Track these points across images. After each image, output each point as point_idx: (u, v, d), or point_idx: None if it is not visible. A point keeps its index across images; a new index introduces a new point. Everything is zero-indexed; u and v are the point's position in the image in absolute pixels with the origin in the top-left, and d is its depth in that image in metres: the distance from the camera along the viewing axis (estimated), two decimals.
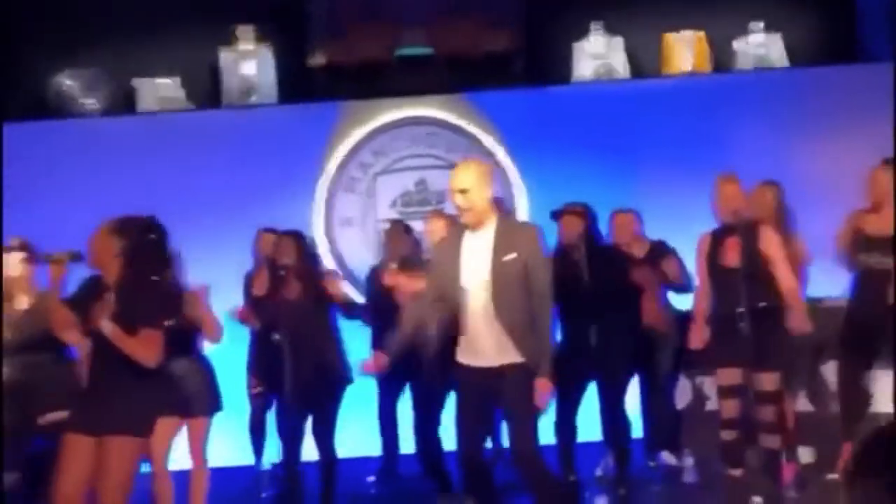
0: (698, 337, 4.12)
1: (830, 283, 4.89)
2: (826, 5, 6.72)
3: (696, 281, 4.35)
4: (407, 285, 4.16)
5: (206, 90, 6.61)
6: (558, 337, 4.52)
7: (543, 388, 3.35)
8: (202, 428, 4.11)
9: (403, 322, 3.66)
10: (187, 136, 6.21)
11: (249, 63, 6.46)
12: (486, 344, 3.38)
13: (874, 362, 4.62)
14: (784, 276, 4.04)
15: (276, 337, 4.10)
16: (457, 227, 3.53)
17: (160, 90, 6.45)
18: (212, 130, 6.26)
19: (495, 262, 3.36)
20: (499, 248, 3.37)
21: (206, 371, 4.16)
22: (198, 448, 4.12)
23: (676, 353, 4.88)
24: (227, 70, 6.47)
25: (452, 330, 3.45)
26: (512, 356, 3.36)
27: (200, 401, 4.08)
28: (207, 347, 4.20)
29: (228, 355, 4.94)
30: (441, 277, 3.49)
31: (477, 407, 3.41)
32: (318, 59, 6.46)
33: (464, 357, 3.44)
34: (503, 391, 3.36)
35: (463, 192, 3.38)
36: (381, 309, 4.89)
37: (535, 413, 3.38)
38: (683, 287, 4.90)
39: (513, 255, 3.36)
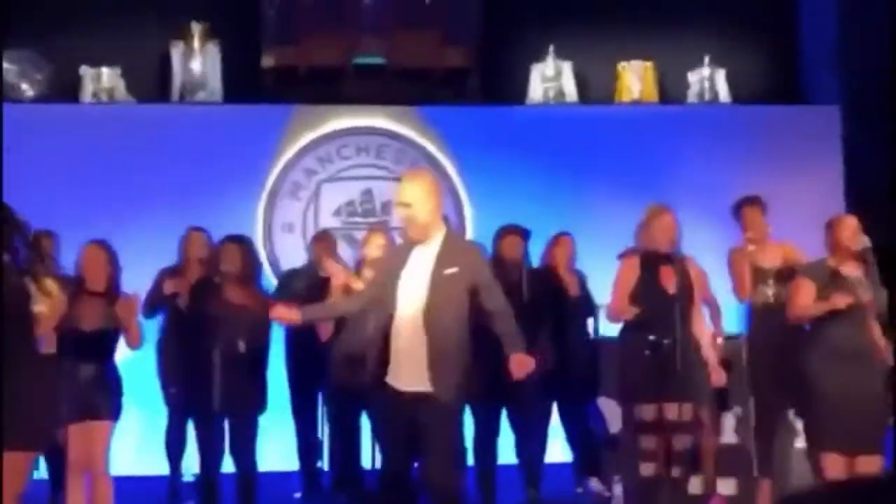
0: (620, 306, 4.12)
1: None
2: (770, 45, 6.89)
3: (610, 305, 4.31)
4: (341, 273, 4.09)
5: (152, 84, 6.46)
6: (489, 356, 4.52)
7: (525, 359, 3.33)
8: (104, 432, 3.99)
9: (332, 303, 3.58)
10: (130, 130, 6.05)
11: (198, 59, 6.34)
12: (408, 363, 3.30)
13: (783, 398, 4.68)
14: (700, 321, 4.14)
15: (214, 343, 3.93)
16: (409, 241, 3.48)
17: (105, 80, 6.28)
18: (156, 125, 6.11)
19: (435, 275, 3.30)
20: (441, 262, 3.32)
21: (115, 377, 4.06)
22: (99, 454, 3.99)
23: (593, 380, 4.92)
24: (175, 64, 6.33)
25: (382, 349, 3.37)
26: (426, 384, 3.27)
27: (104, 405, 3.97)
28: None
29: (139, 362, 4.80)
30: (380, 284, 3.45)
31: (398, 430, 3.34)
32: (269, 61, 6.36)
33: (390, 377, 3.36)
34: (421, 420, 3.28)
35: (406, 205, 3.33)
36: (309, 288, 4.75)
37: (451, 445, 3.29)
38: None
39: (454, 270, 3.31)
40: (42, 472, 4.59)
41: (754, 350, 4.63)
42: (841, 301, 3.98)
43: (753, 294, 4.58)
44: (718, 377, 4.16)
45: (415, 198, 3.33)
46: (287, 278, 5.20)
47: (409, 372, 3.29)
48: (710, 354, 4.16)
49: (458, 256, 3.33)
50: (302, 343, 4.70)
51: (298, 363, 4.93)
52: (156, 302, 4.72)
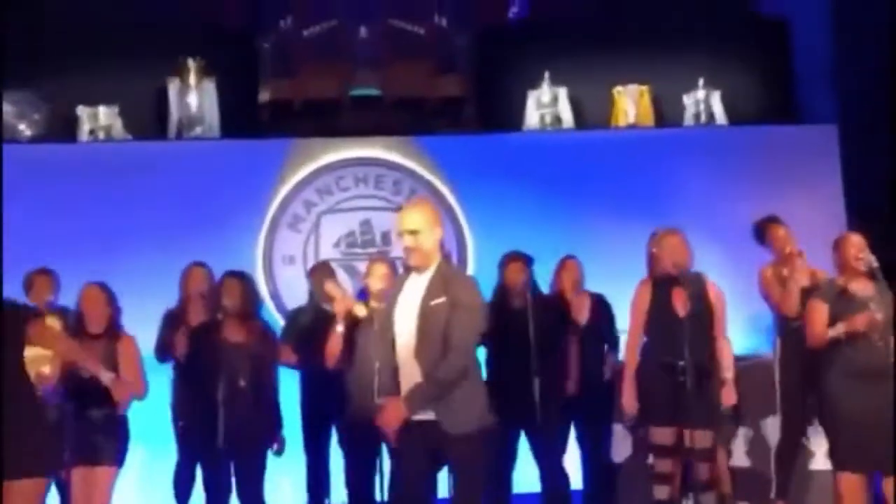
0: (630, 403, 4.14)
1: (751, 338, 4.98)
2: (764, 65, 6.92)
3: (628, 334, 4.33)
4: (343, 296, 4.05)
5: (150, 121, 6.48)
6: (496, 383, 4.46)
7: (393, 408, 3.17)
8: (109, 478, 3.97)
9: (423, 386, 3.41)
10: (128, 167, 6.05)
11: (194, 95, 6.35)
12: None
13: (813, 418, 4.68)
14: (723, 343, 4.12)
15: (219, 380, 3.87)
16: (407, 269, 3.46)
17: (102, 118, 6.29)
18: (153, 162, 6.11)
19: (423, 305, 3.29)
20: (430, 292, 3.30)
21: (122, 422, 4.03)
22: (103, 499, 3.96)
23: (616, 407, 4.86)
24: (172, 101, 6.35)
25: (391, 378, 3.33)
26: (429, 413, 3.22)
27: (110, 450, 3.95)
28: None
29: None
30: (383, 317, 3.44)
31: (410, 459, 3.29)
32: (265, 95, 6.38)
33: None
34: (435, 448, 3.23)
35: (413, 232, 3.31)
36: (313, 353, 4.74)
37: (477, 472, 3.22)
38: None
39: (441, 300, 3.27)
40: None
41: (785, 371, 4.59)
42: (859, 323, 3.98)
43: (792, 311, 4.51)
44: (730, 396, 4.11)
45: (421, 225, 3.32)
46: (293, 316, 5.15)
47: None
48: (728, 374, 4.11)
49: (447, 286, 3.30)
50: (314, 375, 4.64)
51: (311, 396, 4.85)
52: (164, 346, 4.69)
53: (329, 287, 4.14)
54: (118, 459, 3.99)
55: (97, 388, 3.89)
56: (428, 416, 3.23)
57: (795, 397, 4.58)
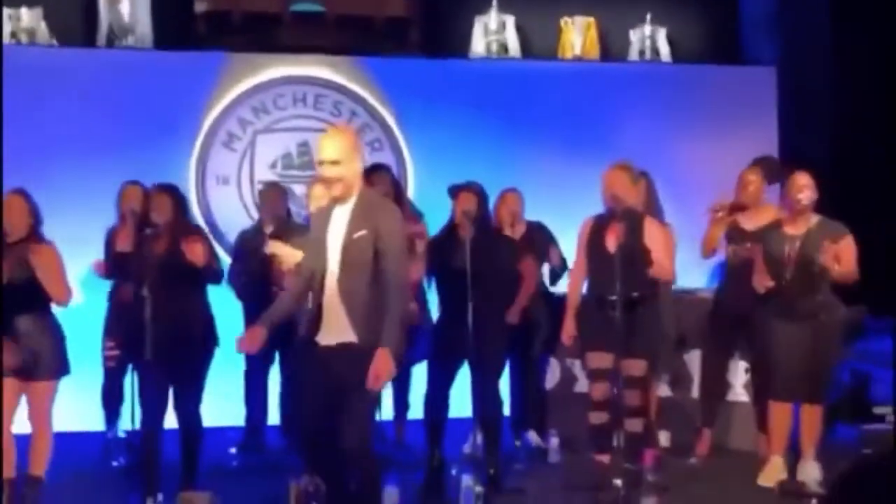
0: (568, 333, 4.23)
1: (688, 274, 5.09)
2: (710, 6, 6.93)
3: (572, 265, 4.41)
4: (287, 256, 4.00)
5: (77, 28, 6.15)
6: (436, 313, 4.48)
7: (381, 361, 3.14)
8: (46, 392, 3.90)
9: (283, 296, 3.49)
10: (53, 76, 5.75)
11: (126, 2, 6.04)
12: (332, 321, 3.25)
13: (735, 353, 4.85)
14: (668, 266, 4.21)
15: (144, 294, 3.81)
16: (331, 199, 3.38)
17: (25, 20, 5.94)
18: (81, 71, 5.82)
19: (346, 239, 3.25)
20: (352, 224, 3.25)
21: (52, 331, 3.92)
22: (41, 413, 3.90)
23: (548, 336, 4.93)
24: (101, 7, 6.03)
25: (317, 308, 3.29)
26: (348, 335, 3.22)
27: (45, 363, 3.86)
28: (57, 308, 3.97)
29: (84, 315, 4.65)
30: (310, 252, 3.38)
31: (317, 385, 3.27)
32: (202, 6, 6.11)
33: (320, 334, 3.30)
34: (337, 372, 3.22)
35: (335, 163, 3.23)
36: (253, 278, 4.71)
37: (365, 401, 3.21)
38: (558, 275, 5.02)
39: (363, 232, 3.23)
40: None
41: (718, 305, 4.73)
42: (760, 285, 4.24)
43: (728, 251, 4.65)
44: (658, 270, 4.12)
45: (342, 154, 3.23)
46: (239, 240, 5.08)
47: (333, 330, 3.25)
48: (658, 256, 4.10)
49: (368, 218, 3.24)
50: (256, 299, 4.56)
51: (253, 319, 4.80)
52: (114, 263, 4.66)
53: (274, 248, 4.08)
54: (54, 371, 3.90)
55: (20, 295, 3.79)
56: (346, 339, 3.23)
57: (724, 333, 4.71)
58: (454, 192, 4.35)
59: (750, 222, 4.62)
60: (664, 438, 4.91)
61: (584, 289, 4.26)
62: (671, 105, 6.31)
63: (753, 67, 6.65)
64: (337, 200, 3.31)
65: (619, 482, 3.97)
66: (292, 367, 4.42)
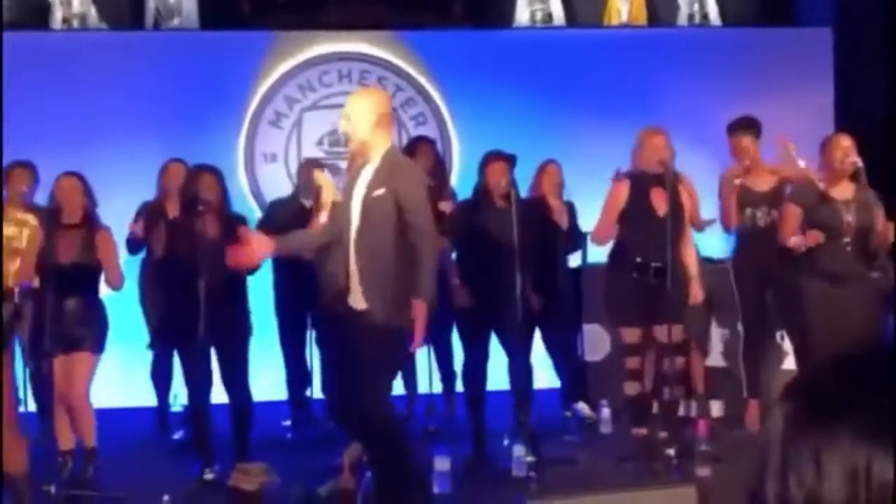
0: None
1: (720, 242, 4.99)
2: None
3: (598, 224, 4.28)
4: (330, 188, 4.08)
5: (125, 10, 6.24)
6: (476, 282, 4.45)
7: (420, 316, 3.14)
8: (88, 365, 3.99)
9: (307, 231, 3.51)
10: (104, 58, 5.85)
11: None
12: (353, 285, 3.25)
13: (768, 317, 4.71)
14: (687, 244, 4.13)
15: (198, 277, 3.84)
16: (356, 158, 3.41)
17: (76, 6, 6.05)
18: (130, 53, 5.91)
19: (366, 197, 3.25)
20: (372, 183, 3.25)
21: (99, 311, 4.03)
22: (81, 386, 3.99)
23: (574, 308, 4.92)
24: None
25: (344, 270, 3.30)
26: (359, 302, 3.22)
27: (88, 340, 3.96)
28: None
29: (132, 295, 4.74)
30: (339, 209, 3.42)
31: (334, 353, 3.30)
32: None
33: (347, 296, 3.28)
34: (352, 339, 3.23)
35: (346, 118, 3.30)
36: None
37: (377, 365, 3.19)
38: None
39: (381, 191, 3.22)
40: (30, 404, 4.58)
41: (741, 274, 4.64)
42: (811, 239, 4.05)
43: (741, 218, 4.55)
44: (696, 295, 4.15)
45: (355, 111, 3.27)
46: (271, 207, 5.13)
47: (352, 293, 3.26)
48: (695, 274, 4.14)
49: (389, 177, 3.23)
50: (288, 268, 4.63)
51: (285, 289, 4.88)
52: (137, 238, 4.63)
53: (318, 175, 4.11)
54: (97, 346, 3.99)
55: (69, 276, 3.90)
56: (359, 306, 3.23)
57: (753, 299, 4.61)
58: (486, 161, 4.33)
59: (757, 184, 4.54)
60: (716, 408, 4.85)
61: (609, 254, 4.19)
62: (721, 70, 6.15)
63: (808, 29, 6.44)
64: (356, 158, 3.34)
65: (671, 451, 3.94)
66: (320, 332, 4.46)
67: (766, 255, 4.37)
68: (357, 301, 3.25)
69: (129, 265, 4.90)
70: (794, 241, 4.15)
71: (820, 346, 4.12)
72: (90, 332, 3.96)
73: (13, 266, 4.35)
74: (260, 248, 3.37)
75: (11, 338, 4.42)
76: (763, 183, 4.53)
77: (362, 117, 3.25)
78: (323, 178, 4.12)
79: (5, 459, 3.28)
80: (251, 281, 4.23)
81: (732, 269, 4.67)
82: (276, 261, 4.79)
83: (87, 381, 3.98)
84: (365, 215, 3.24)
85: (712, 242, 4.96)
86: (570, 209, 5.02)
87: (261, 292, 4.44)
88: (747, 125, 4.69)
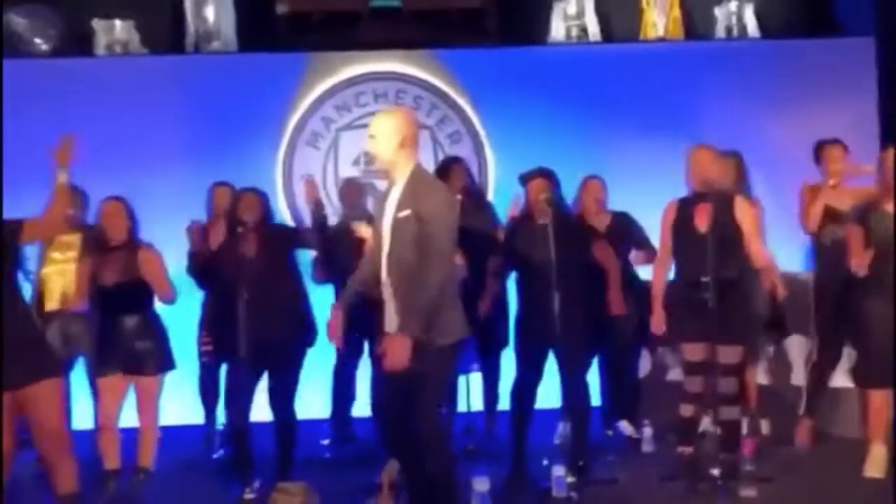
0: (658, 323, 4.10)
1: (785, 255, 4.89)
2: None
3: (657, 250, 4.29)
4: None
5: (166, 35, 6.35)
6: (517, 302, 4.42)
7: (395, 345, 3.11)
8: (153, 386, 4.07)
9: (353, 278, 3.54)
10: (145, 82, 5.96)
11: (211, 8, 6.21)
12: (388, 306, 3.27)
13: (844, 338, 4.61)
14: (758, 248, 4.04)
15: (241, 292, 3.91)
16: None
17: (119, 33, 6.18)
18: (171, 77, 6.01)
19: (394, 218, 3.26)
20: (400, 204, 3.25)
21: (157, 328, 4.10)
22: (148, 406, 4.08)
23: (639, 324, 4.82)
24: (188, 14, 6.22)
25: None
26: (393, 324, 3.22)
27: (151, 359, 4.04)
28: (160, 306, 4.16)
29: (182, 312, 4.80)
30: (373, 234, 3.44)
31: (384, 375, 3.28)
32: (283, 7, 6.23)
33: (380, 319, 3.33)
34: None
35: (371, 137, 3.32)
36: (342, 264, 4.75)
37: (425, 390, 3.17)
38: (648, 261, 4.89)
39: (406, 213, 3.21)
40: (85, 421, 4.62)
41: (820, 289, 4.57)
42: (859, 267, 4.03)
43: (823, 233, 4.50)
44: (777, 286, 4.11)
45: (378, 131, 3.28)
46: (325, 244, 5.15)
47: (389, 315, 3.27)
48: (773, 277, 4.08)
49: (413, 198, 3.22)
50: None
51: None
52: (194, 260, 4.71)
53: (360, 230, 4.17)
54: (161, 364, 4.06)
55: (114, 297, 3.96)
56: (393, 330, 3.22)
57: (830, 318, 4.53)
58: (526, 179, 4.31)
59: (839, 201, 4.47)
60: (764, 427, 4.75)
61: (672, 275, 4.15)
62: (761, 83, 6.07)
63: (850, 39, 6.32)
64: (387, 179, 3.36)
65: (716, 471, 3.86)
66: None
67: (838, 273, 4.30)
68: (390, 324, 3.25)
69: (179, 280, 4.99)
70: (854, 264, 4.09)
71: (884, 364, 4.05)
72: (151, 349, 4.03)
73: (69, 287, 4.48)
74: (336, 326, 3.36)
75: (73, 358, 4.55)
76: (846, 201, 4.45)
77: (386, 138, 3.27)
78: (364, 229, 4.17)
79: (58, 480, 3.33)
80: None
81: (813, 283, 4.62)
82: (333, 283, 4.82)
83: (154, 401, 4.07)
84: (393, 237, 3.25)
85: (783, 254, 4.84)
86: (622, 221, 4.91)
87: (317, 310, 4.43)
88: (833, 141, 4.66)
